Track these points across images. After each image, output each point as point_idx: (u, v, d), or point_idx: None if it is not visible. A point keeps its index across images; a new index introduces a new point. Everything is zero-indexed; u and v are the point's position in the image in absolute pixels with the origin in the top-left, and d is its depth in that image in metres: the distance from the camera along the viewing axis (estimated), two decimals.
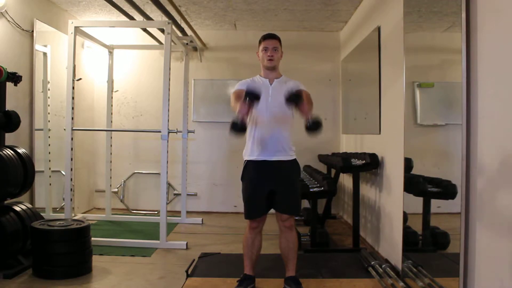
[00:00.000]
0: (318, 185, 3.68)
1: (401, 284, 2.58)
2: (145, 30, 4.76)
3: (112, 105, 4.90)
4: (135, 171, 5.46)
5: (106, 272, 3.02)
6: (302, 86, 2.67)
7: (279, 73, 2.74)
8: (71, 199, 3.72)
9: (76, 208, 4.73)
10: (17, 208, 3.08)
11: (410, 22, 2.83)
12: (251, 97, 2.32)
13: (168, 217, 3.92)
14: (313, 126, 2.34)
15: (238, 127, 2.32)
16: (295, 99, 2.32)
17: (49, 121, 4.22)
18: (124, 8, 4.10)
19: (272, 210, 2.64)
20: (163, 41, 4.18)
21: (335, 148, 5.26)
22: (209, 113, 5.42)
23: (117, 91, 5.29)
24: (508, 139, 1.73)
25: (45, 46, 4.20)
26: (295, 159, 2.66)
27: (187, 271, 2.91)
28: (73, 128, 3.73)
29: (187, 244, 3.73)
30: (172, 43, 4.16)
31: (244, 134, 2.44)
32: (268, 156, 2.57)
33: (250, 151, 2.62)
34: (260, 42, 2.70)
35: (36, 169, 3.41)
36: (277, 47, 2.66)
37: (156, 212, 5.09)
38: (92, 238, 3.12)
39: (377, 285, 2.74)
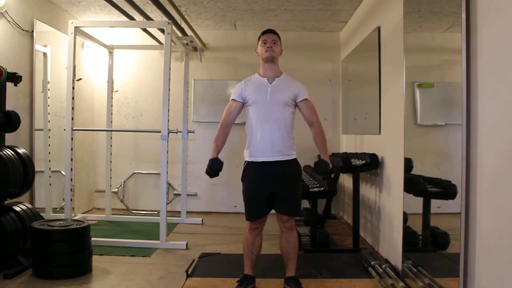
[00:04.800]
0: (318, 185, 3.68)
1: (401, 284, 2.58)
2: (145, 30, 4.75)
3: (112, 105, 4.90)
4: (135, 171, 5.46)
5: (106, 272, 3.02)
6: (305, 90, 2.66)
7: (279, 70, 2.70)
8: (71, 199, 3.72)
9: (76, 208, 4.74)
10: (17, 208, 3.08)
11: (410, 22, 2.83)
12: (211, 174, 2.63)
13: (168, 217, 3.92)
14: (319, 168, 2.66)
15: (211, 175, 2.63)
16: (324, 171, 2.66)
17: (49, 121, 4.22)
18: (124, 8, 4.10)
19: (272, 210, 2.64)
20: (163, 41, 4.19)
21: (335, 148, 5.26)
22: (209, 113, 5.42)
23: (117, 91, 5.30)
24: (508, 139, 1.73)
25: (45, 46, 4.20)
26: (295, 159, 2.64)
27: (187, 271, 2.91)
28: (73, 128, 3.74)
29: (187, 244, 3.74)
30: (172, 43, 4.17)
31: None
32: (268, 157, 2.56)
33: (250, 151, 2.61)
34: (259, 38, 2.69)
35: (36, 169, 3.41)
36: (277, 41, 2.64)
37: (156, 212, 5.09)
38: (92, 238, 3.12)
39: (377, 285, 2.74)
